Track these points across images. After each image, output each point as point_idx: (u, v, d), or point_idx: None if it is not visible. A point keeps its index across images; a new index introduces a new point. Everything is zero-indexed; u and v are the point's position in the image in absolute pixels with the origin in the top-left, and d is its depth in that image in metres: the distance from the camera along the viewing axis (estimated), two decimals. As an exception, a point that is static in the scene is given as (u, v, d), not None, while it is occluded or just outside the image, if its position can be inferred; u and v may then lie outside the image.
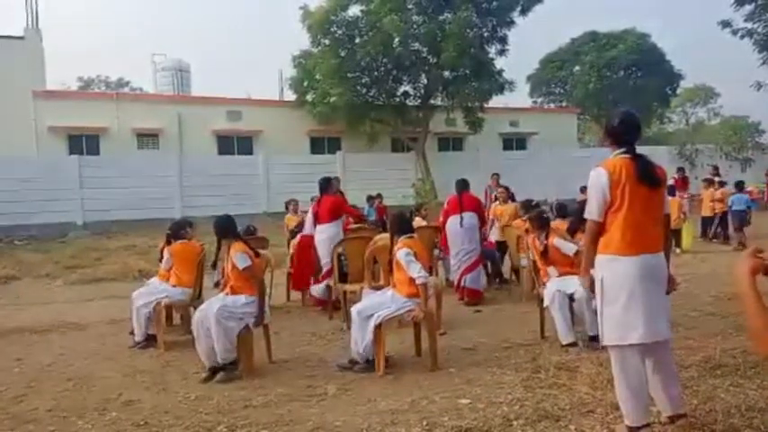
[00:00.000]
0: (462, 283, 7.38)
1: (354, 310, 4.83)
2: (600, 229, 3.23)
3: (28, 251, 13.19)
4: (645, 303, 3.11)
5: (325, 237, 7.12)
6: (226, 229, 5.15)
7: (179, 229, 6.21)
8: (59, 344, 6.05)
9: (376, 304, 4.83)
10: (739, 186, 12.38)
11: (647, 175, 3.17)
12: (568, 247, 5.47)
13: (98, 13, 74.62)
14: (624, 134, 3.27)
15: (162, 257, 6.29)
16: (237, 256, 4.87)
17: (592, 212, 3.23)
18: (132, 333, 5.89)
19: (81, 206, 16.99)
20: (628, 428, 3.19)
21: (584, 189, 13.81)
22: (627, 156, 3.21)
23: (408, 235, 5.05)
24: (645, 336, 3.11)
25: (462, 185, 7.77)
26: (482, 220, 7.84)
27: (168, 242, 6.21)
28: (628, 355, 3.16)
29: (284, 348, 5.51)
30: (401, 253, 4.83)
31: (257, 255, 5.21)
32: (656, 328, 3.14)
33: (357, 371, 4.72)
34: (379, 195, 12.78)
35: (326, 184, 7.53)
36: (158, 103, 21.71)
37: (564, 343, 5.07)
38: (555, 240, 5.55)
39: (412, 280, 4.75)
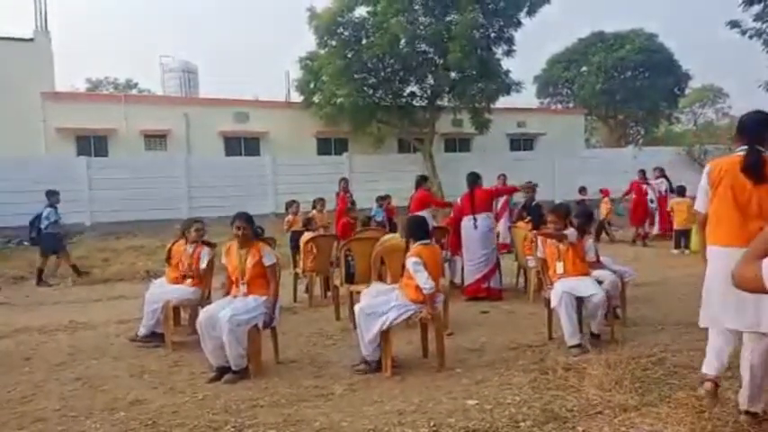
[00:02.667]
0: (486, 284, 7.49)
1: (357, 307, 4.83)
2: (705, 220, 3.54)
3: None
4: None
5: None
6: (255, 226, 5.17)
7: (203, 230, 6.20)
8: (68, 344, 6.09)
9: (379, 303, 4.82)
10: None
11: (750, 169, 3.27)
12: (592, 252, 5.54)
13: (106, 15, 75.08)
14: (745, 132, 3.38)
15: (169, 258, 6.19)
16: (266, 252, 4.97)
17: (698, 205, 3.60)
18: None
19: (89, 207, 17.07)
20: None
21: (582, 190, 13.80)
22: (741, 153, 3.33)
23: (423, 242, 4.96)
24: None
25: (473, 180, 7.76)
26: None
27: (208, 244, 6.08)
28: None
29: (291, 349, 5.52)
30: (410, 261, 4.81)
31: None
32: None
33: (370, 371, 4.71)
34: (388, 196, 12.78)
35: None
36: (166, 105, 21.78)
37: (570, 344, 5.05)
38: (590, 241, 5.61)
39: (420, 288, 4.75)
